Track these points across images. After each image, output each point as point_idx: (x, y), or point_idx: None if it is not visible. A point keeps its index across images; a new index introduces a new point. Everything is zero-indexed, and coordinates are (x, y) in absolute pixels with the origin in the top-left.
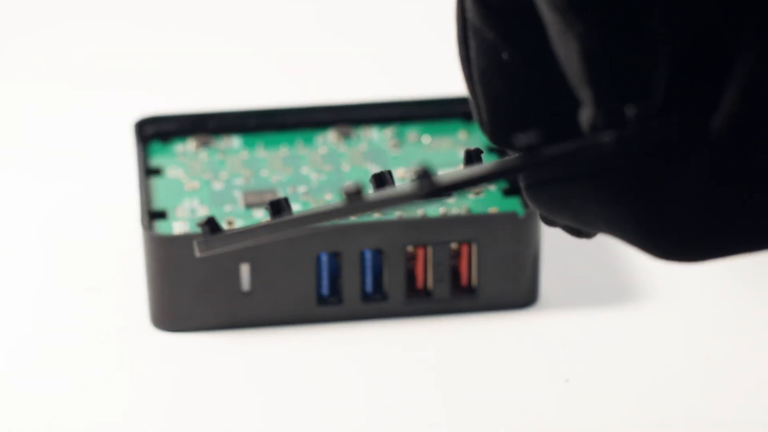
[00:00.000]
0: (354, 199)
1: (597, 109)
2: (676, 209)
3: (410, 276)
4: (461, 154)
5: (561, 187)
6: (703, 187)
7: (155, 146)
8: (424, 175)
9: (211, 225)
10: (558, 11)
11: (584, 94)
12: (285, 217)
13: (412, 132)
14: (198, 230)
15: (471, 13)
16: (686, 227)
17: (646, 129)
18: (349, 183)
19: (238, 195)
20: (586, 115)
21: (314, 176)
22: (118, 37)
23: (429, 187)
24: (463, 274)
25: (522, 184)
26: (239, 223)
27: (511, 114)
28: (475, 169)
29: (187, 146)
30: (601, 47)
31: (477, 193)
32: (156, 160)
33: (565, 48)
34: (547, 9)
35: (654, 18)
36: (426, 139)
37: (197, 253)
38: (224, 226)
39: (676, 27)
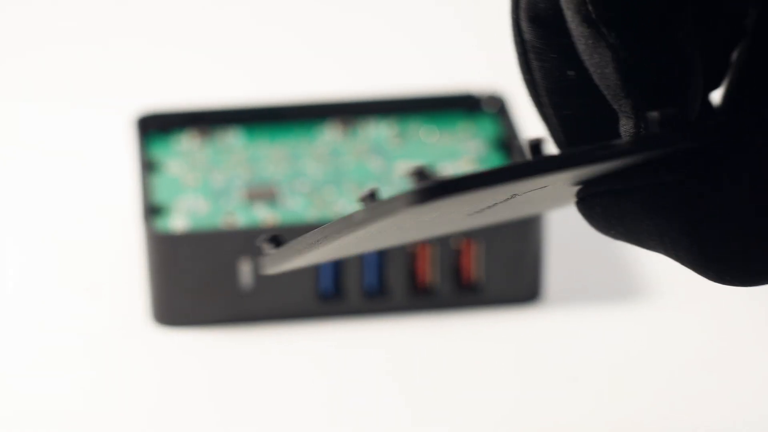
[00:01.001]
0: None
1: (637, 119)
2: (722, 227)
3: (412, 272)
4: (462, 148)
5: (614, 202)
6: (749, 203)
7: (155, 141)
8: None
9: (275, 241)
10: (589, 24)
11: (622, 105)
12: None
13: (413, 126)
14: (200, 229)
15: (529, 35)
16: (734, 245)
17: (687, 135)
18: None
19: (238, 190)
20: (626, 127)
21: (315, 171)
22: (117, 33)
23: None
24: (466, 270)
25: (575, 198)
26: (240, 219)
27: (586, 131)
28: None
29: (188, 141)
30: (637, 56)
31: None
32: (156, 156)
33: (599, 60)
34: (576, 23)
35: (684, 24)
36: (427, 132)
37: (265, 271)
38: (224, 221)
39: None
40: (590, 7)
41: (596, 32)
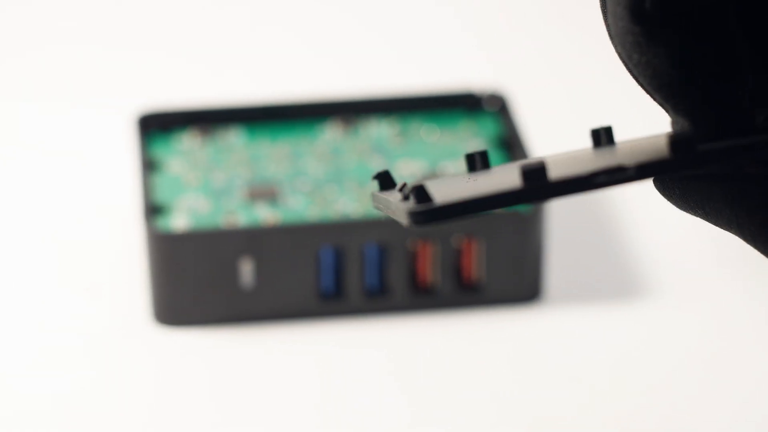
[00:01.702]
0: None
1: (694, 117)
2: None
3: (413, 271)
4: (464, 146)
5: (695, 188)
6: None
7: (156, 140)
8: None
9: (418, 194)
10: (642, 22)
11: (677, 103)
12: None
13: (415, 125)
14: (200, 227)
15: (629, 49)
16: None
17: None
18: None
19: (239, 189)
20: (679, 125)
21: (316, 170)
22: (118, 33)
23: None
24: (467, 269)
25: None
26: (241, 218)
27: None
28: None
29: (189, 140)
30: (695, 52)
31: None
32: (157, 155)
33: (651, 58)
34: (627, 20)
35: (730, 19)
36: (429, 131)
37: (405, 223)
38: (225, 220)
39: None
40: (648, 5)
41: (650, 30)
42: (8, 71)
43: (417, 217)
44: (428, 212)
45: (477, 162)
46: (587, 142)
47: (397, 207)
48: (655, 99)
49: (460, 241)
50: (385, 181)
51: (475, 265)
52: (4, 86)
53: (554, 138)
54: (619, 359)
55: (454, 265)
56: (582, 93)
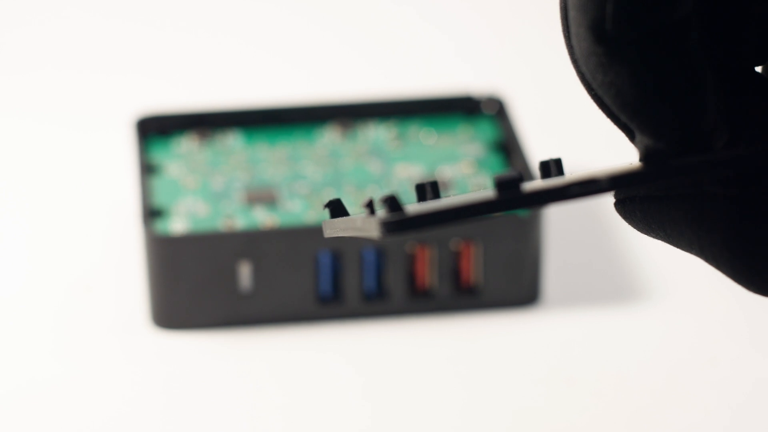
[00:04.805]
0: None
1: (658, 135)
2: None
3: (411, 275)
4: (461, 150)
5: (655, 209)
6: None
7: (154, 144)
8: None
9: (391, 204)
10: (605, 42)
11: (642, 122)
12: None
13: (412, 128)
14: (198, 230)
15: (589, 66)
16: None
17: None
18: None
19: (238, 192)
20: (642, 144)
21: (315, 173)
22: (116, 36)
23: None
24: (465, 273)
25: (613, 199)
26: (239, 221)
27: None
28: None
29: (187, 144)
30: (657, 71)
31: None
32: (155, 158)
33: (614, 78)
34: (590, 41)
35: (691, 39)
36: (426, 135)
37: (376, 235)
38: (223, 224)
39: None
40: (609, 26)
41: (612, 50)
42: (8, 76)
43: (389, 226)
44: (401, 221)
45: (427, 192)
46: (583, 146)
47: (364, 221)
48: (617, 123)
49: (458, 244)
50: (337, 208)
51: (473, 268)
52: (3, 91)
53: (552, 142)
54: (617, 363)
55: (452, 268)
56: (579, 97)
